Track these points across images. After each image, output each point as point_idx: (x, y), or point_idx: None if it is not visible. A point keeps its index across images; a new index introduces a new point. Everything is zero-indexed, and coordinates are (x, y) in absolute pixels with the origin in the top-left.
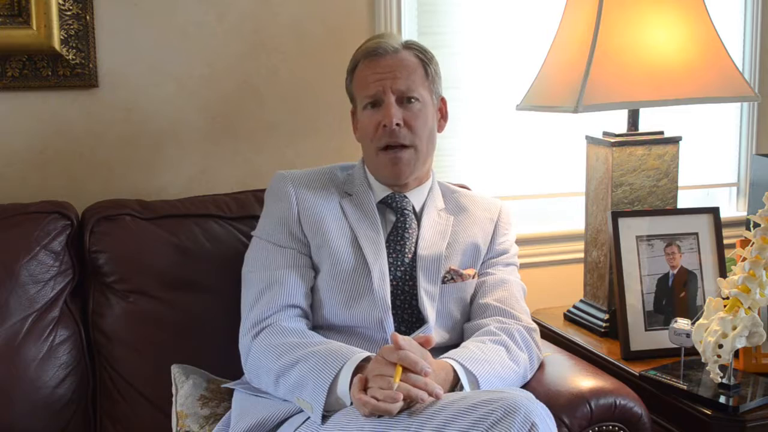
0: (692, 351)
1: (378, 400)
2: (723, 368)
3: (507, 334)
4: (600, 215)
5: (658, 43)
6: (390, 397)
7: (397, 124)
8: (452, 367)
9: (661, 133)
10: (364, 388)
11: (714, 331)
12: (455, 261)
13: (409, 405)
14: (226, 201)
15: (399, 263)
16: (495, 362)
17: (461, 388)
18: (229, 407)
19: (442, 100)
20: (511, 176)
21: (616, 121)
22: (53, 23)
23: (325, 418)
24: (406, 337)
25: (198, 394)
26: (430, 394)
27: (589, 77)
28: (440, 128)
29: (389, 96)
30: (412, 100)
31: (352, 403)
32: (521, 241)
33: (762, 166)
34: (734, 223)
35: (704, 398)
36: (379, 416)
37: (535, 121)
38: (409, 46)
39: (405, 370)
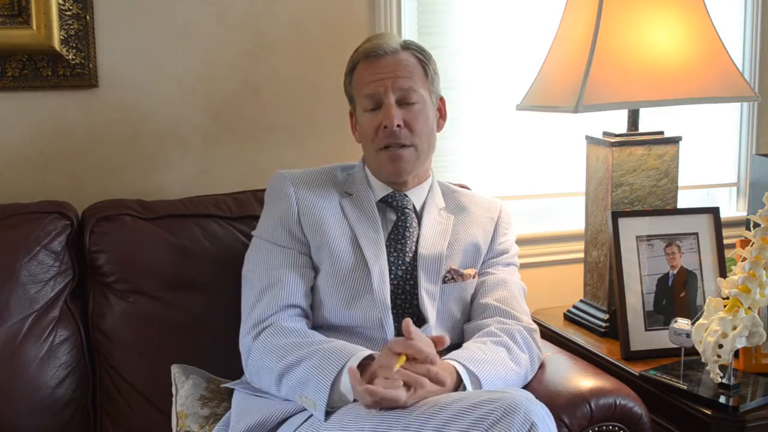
0: (692, 351)
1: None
2: (723, 368)
3: (508, 335)
4: (600, 215)
5: (658, 43)
6: (390, 384)
7: (398, 126)
8: (454, 368)
9: (661, 133)
10: (370, 381)
11: (714, 331)
12: (456, 261)
13: (416, 393)
14: (226, 201)
15: (400, 262)
16: (497, 363)
17: (464, 389)
18: (229, 407)
19: (441, 100)
20: (511, 176)
21: (616, 121)
22: (53, 23)
23: (327, 414)
24: (418, 329)
25: (198, 394)
26: (433, 381)
27: (589, 77)
28: (439, 127)
29: (389, 97)
30: (412, 100)
31: (355, 400)
32: (521, 241)
33: (762, 166)
34: (734, 223)
35: (704, 398)
36: (382, 409)
37: (535, 121)
38: (407, 46)
39: (410, 360)
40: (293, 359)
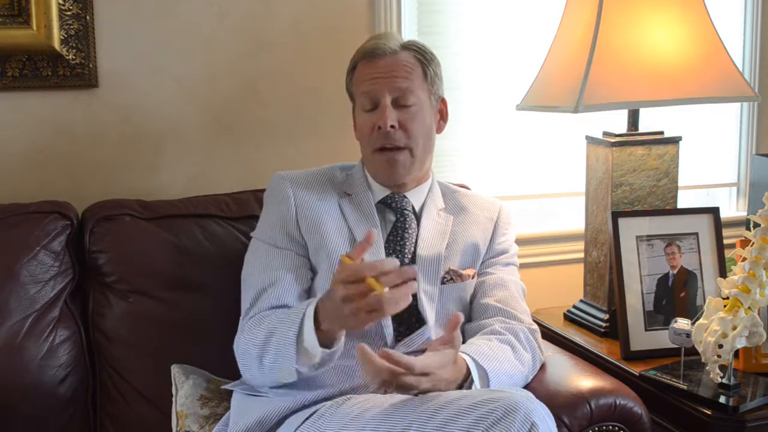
0: (692, 351)
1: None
2: (723, 368)
3: (512, 334)
4: (600, 215)
5: (658, 43)
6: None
7: (392, 126)
8: (464, 361)
9: (661, 133)
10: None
11: (714, 331)
12: (455, 261)
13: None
14: (226, 201)
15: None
16: (503, 360)
17: (471, 383)
18: (229, 407)
19: (443, 101)
20: (511, 176)
21: (616, 121)
22: (53, 23)
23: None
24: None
25: (198, 394)
26: (410, 370)
27: (589, 77)
28: (439, 129)
29: (385, 98)
30: (409, 102)
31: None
32: (521, 241)
33: (762, 166)
34: (734, 223)
35: (704, 398)
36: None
37: (535, 121)
38: (408, 46)
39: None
40: (263, 338)
